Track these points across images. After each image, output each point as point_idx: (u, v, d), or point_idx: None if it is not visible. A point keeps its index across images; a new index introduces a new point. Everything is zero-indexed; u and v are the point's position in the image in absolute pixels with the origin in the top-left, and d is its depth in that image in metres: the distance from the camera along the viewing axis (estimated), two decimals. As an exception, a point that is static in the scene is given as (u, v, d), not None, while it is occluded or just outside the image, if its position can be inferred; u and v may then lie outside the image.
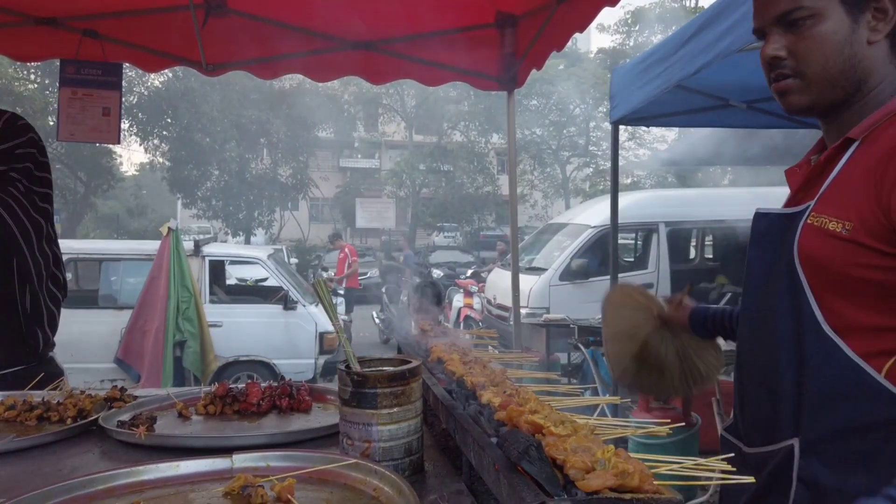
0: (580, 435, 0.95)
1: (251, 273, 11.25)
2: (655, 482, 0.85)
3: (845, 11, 1.18)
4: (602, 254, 8.39)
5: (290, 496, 1.14)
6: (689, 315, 1.75)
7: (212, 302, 7.58)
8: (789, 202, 1.34)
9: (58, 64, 3.56)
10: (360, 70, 3.80)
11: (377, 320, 12.60)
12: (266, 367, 7.44)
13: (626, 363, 1.84)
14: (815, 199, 1.22)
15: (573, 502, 0.80)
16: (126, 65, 3.81)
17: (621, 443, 4.19)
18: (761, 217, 1.37)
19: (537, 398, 1.19)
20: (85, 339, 6.70)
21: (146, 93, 21.90)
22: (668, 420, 1.74)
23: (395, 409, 1.28)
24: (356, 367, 1.33)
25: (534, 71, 3.64)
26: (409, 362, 1.35)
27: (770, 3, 1.23)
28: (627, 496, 0.81)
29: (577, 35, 3.15)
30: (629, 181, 28.19)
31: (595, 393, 4.76)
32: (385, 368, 1.32)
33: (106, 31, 3.47)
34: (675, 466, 0.94)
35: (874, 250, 1.11)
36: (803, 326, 1.20)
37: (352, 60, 3.72)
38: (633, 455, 0.90)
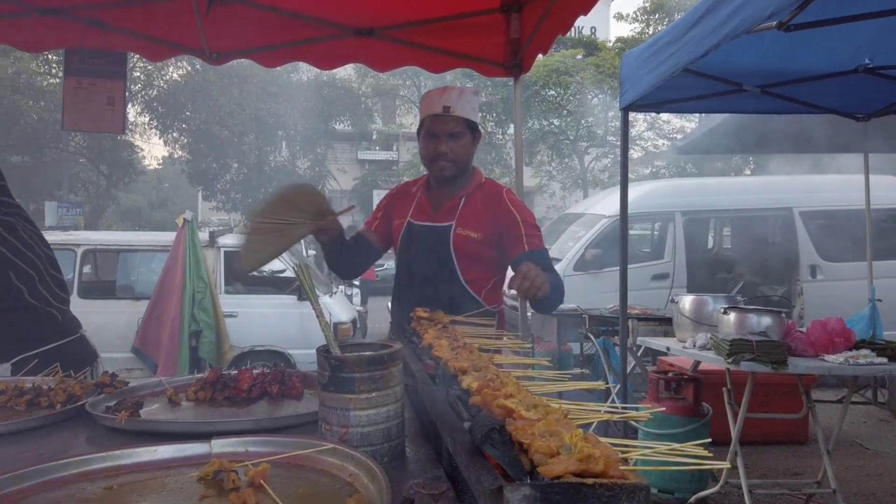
0: (550, 419, 0.91)
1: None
2: (627, 468, 0.82)
3: (470, 135, 2.54)
4: (617, 244, 8.25)
5: (262, 481, 1.12)
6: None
7: (227, 292, 7.63)
8: (435, 220, 2.55)
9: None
10: (364, 57, 3.77)
11: (393, 312, 12.58)
12: (281, 357, 7.47)
13: (265, 260, 2.30)
14: (455, 219, 2.51)
15: (532, 488, 0.77)
16: (143, 59, 3.82)
17: (629, 431, 4.13)
18: (418, 226, 2.58)
19: (515, 382, 1.15)
20: (102, 330, 6.73)
21: (165, 86, 22.06)
22: (663, 409, 1.71)
23: (373, 394, 1.25)
24: (336, 352, 1.30)
25: (549, 61, 3.60)
26: (390, 347, 1.33)
27: (444, 124, 2.48)
28: (590, 481, 0.77)
29: (595, 24, 3.12)
30: (648, 171, 27.78)
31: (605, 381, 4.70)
32: (364, 353, 1.30)
33: (110, 21, 3.47)
34: (648, 451, 0.90)
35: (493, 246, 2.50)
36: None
37: (355, 47, 3.70)
38: (603, 439, 0.86)
